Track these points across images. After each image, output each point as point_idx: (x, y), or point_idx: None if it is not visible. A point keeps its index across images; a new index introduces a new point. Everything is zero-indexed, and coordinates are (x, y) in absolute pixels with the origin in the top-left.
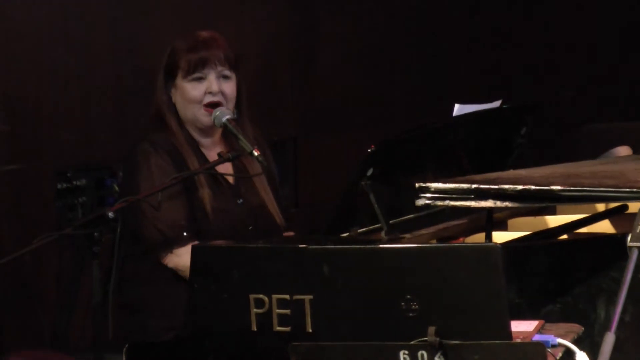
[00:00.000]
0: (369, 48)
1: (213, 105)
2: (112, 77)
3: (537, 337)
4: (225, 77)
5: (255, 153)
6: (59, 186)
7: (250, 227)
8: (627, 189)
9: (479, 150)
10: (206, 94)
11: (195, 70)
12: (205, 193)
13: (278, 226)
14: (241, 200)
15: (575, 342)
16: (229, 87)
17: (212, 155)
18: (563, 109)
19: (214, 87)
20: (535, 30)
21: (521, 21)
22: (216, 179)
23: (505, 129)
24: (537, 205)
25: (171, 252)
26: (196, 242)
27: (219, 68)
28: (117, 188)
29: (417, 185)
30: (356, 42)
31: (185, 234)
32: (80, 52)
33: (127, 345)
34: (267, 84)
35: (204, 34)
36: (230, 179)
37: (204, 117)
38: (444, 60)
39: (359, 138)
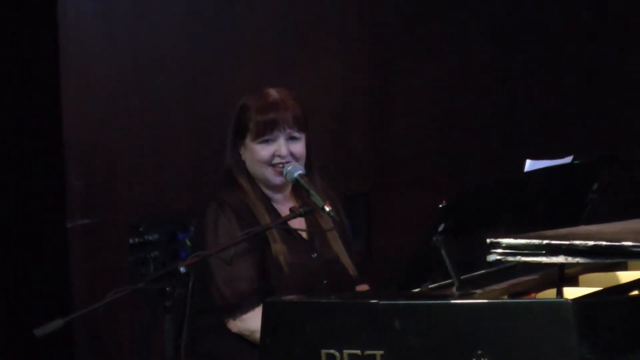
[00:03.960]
0: (443, 103)
1: (282, 166)
2: (186, 129)
3: None
4: (294, 139)
5: (327, 208)
6: (132, 240)
7: (325, 282)
8: None
9: (550, 206)
10: (275, 156)
11: (265, 133)
12: (279, 248)
13: (352, 279)
14: (315, 255)
15: None
16: (298, 148)
17: (284, 209)
18: (637, 164)
19: (283, 151)
20: (607, 87)
21: (594, 78)
22: (290, 234)
23: (577, 185)
24: (608, 261)
25: (233, 319)
26: (259, 306)
27: (288, 130)
28: (189, 242)
29: (488, 240)
30: (430, 97)
31: (248, 299)
32: (153, 105)
33: None
34: (341, 139)
35: (273, 93)
36: (304, 234)
37: (273, 177)
38: (519, 117)
39: (431, 193)
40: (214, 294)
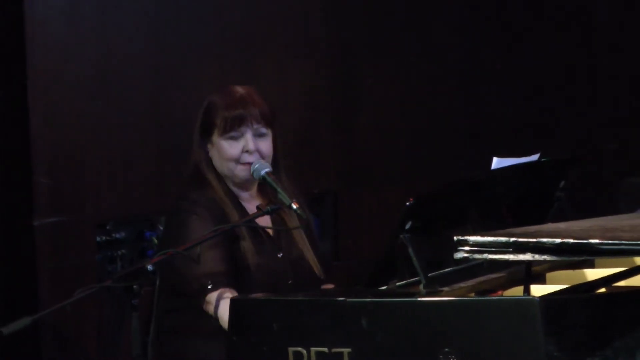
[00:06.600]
0: (410, 102)
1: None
2: (152, 128)
3: None
4: (262, 135)
5: (294, 206)
6: (99, 239)
7: (290, 281)
8: None
9: (518, 204)
10: (243, 153)
11: (232, 128)
12: (247, 245)
13: (317, 279)
14: (281, 254)
15: None
16: (265, 145)
17: (251, 208)
18: (603, 162)
19: (251, 146)
20: (574, 85)
21: (559, 76)
22: (256, 232)
23: (545, 183)
24: (575, 258)
25: (205, 299)
26: (228, 290)
27: (255, 126)
28: (156, 241)
29: (455, 238)
30: (396, 96)
31: (220, 280)
32: (120, 105)
33: None
34: (308, 137)
35: (240, 90)
36: (270, 232)
37: (241, 172)
38: (485, 114)
39: (399, 191)
40: (189, 282)
